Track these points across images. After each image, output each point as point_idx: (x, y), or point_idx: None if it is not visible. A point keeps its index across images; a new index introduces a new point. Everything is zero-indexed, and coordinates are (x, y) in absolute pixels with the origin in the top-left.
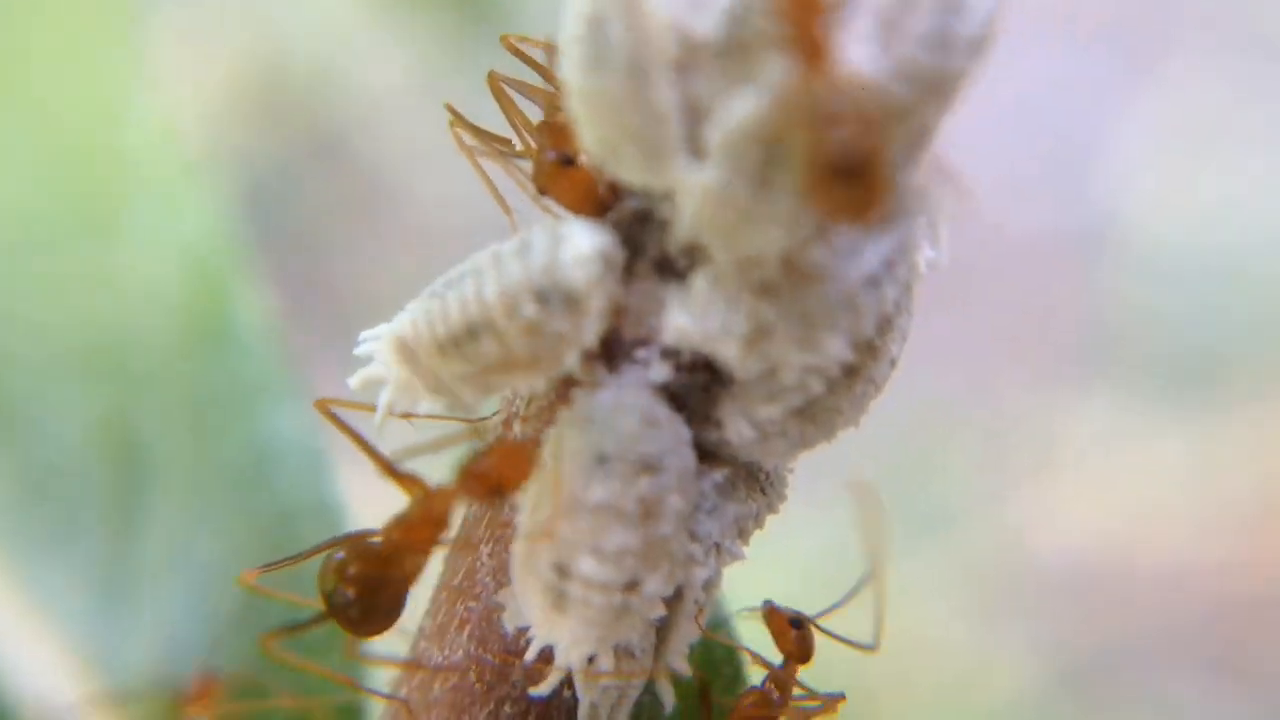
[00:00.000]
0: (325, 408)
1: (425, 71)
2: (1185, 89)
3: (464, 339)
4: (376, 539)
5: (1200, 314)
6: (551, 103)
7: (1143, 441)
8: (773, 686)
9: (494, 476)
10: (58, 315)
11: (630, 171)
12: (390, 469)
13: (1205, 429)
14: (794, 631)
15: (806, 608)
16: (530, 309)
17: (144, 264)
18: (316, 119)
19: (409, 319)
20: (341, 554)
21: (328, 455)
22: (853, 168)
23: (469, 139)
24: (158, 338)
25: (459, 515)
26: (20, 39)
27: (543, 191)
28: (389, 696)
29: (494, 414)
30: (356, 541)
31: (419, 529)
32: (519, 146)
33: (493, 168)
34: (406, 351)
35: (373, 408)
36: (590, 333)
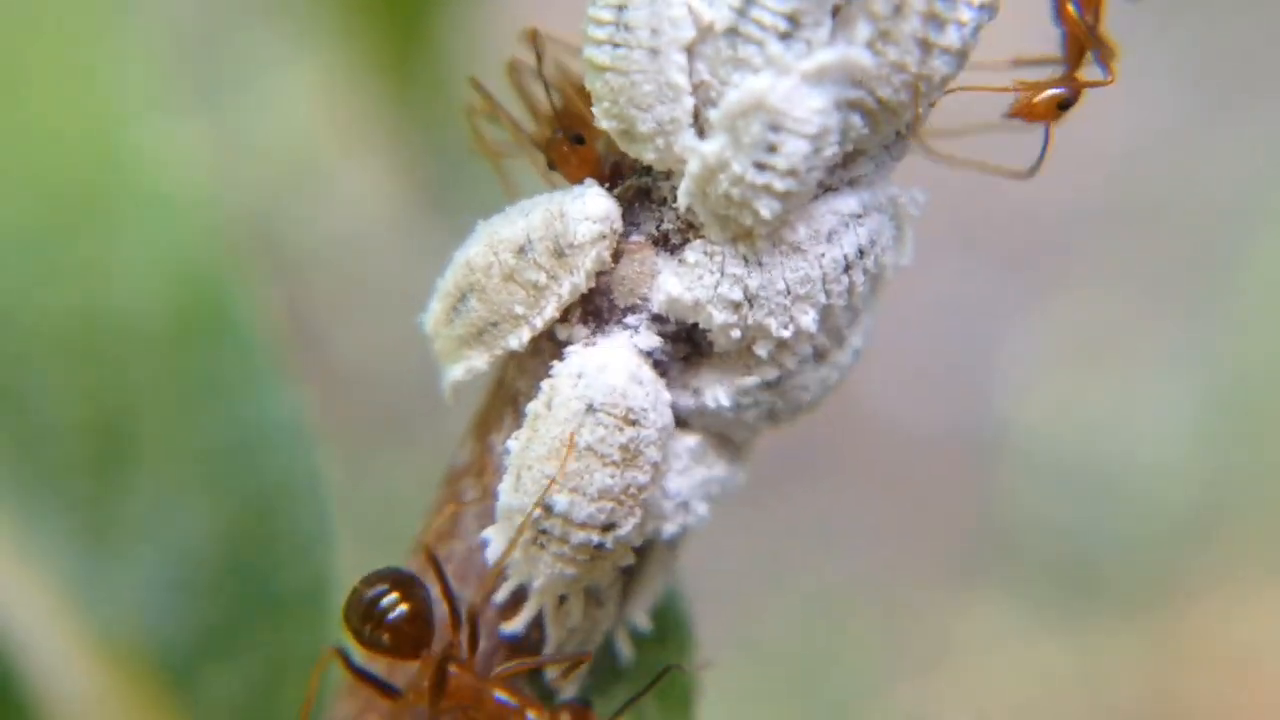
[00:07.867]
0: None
1: (388, 207)
2: (1081, 308)
3: (458, 302)
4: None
5: (1086, 524)
6: (564, 89)
7: (1027, 644)
8: None
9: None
10: (52, 305)
11: (639, 145)
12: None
13: (1088, 637)
14: None
15: None
16: (508, 258)
17: (139, 261)
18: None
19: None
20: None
21: (314, 439)
22: None
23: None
24: (148, 325)
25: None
26: (23, 54)
27: (552, 167)
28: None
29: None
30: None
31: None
32: (530, 130)
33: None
34: (434, 325)
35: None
36: (571, 287)
